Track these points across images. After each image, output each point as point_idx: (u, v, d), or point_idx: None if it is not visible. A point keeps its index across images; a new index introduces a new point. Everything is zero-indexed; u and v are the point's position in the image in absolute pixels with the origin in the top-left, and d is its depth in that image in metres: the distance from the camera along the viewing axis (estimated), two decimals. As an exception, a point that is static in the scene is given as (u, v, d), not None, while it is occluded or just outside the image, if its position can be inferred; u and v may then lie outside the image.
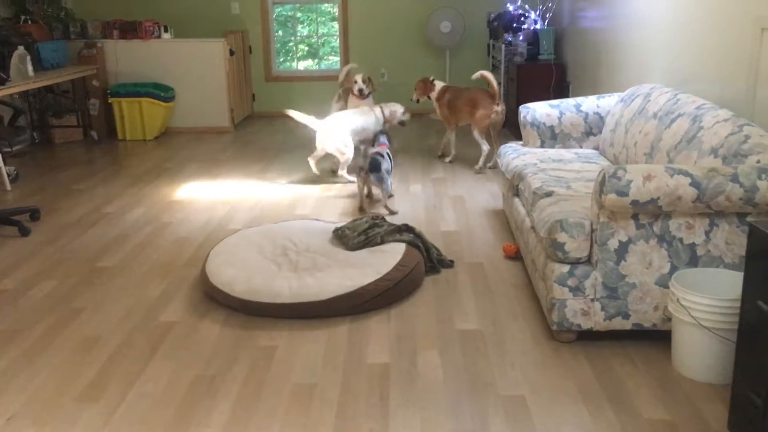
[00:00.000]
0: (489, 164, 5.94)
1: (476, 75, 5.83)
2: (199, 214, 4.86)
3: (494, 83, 5.70)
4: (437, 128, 7.76)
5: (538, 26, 7.18)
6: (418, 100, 6.32)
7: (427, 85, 6.22)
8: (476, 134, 5.79)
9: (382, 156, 4.71)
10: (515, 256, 3.91)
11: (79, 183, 5.71)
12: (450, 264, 3.80)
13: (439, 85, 6.17)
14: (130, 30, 7.62)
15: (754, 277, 2.17)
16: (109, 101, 7.35)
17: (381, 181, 4.64)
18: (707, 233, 2.77)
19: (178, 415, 2.51)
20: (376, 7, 8.57)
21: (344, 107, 6.34)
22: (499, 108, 5.74)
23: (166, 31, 7.74)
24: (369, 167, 4.64)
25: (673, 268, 2.81)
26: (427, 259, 3.70)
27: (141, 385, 2.71)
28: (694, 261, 2.80)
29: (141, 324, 3.22)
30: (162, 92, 7.39)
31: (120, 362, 2.89)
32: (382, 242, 3.70)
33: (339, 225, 3.97)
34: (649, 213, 2.75)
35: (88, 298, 3.51)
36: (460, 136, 6.53)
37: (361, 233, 3.76)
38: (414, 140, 7.21)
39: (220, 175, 5.94)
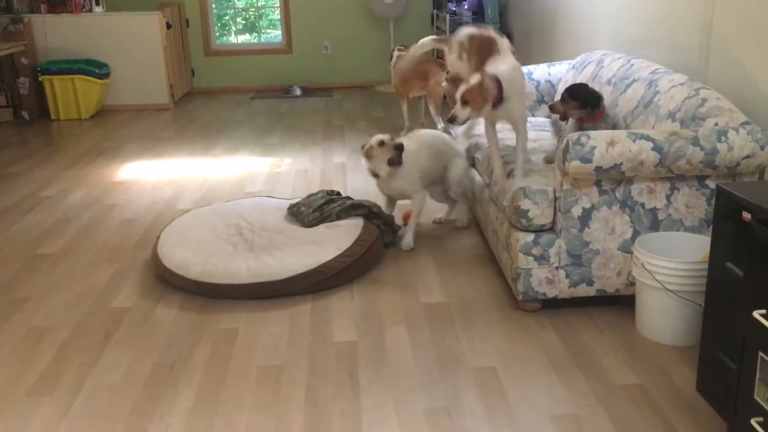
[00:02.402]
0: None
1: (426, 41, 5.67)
2: (144, 194, 4.67)
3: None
4: (383, 100, 7.67)
5: (482, -5, 7.12)
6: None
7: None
8: (432, 110, 5.69)
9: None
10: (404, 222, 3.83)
11: (13, 166, 5.42)
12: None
13: (396, 53, 5.98)
14: (58, 3, 7.24)
15: (721, 239, 2.18)
16: (40, 79, 6.98)
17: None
18: (668, 197, 2.78)
19: (139, 405, 2.40)
20: (316, -23, 8.38)
21: None
22: (449, 76, 5.64)
23: (97, 4, 7.38)
24: None
25: (636, 233, 2.82)
26: (389, 233, 3.62)
27: (97, 375, 2.58)
28: (655, 225, 2.81)
29: (92, 312, 3.07)
30: (96, 69, 7.07)
31: (72, 353, 2.74)
32: (338, 218, 3.61)
33: (293, 201, 3.87)
34: (612, 179, 2.75)
35: (31, 287, 3.33)
36: (413, 110, 6.40)
37: (316, 209, 3.67)
38: (361, 112, 7.11)
39: (164, 153, 5.73)
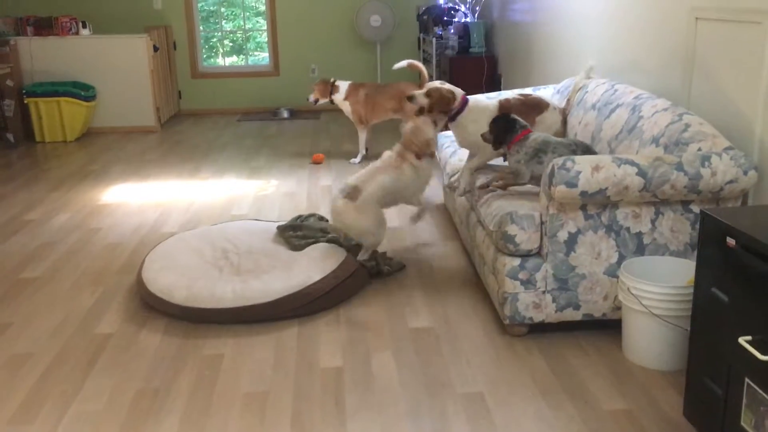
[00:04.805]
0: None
1: (402, 64, 5.67)
2: (129, 218, 4.64)
3: (425, 72, 5.67)
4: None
5: (468, 19, 7.20)
6: (316, 101, 5.96)
7: (327, 87, 5.91)
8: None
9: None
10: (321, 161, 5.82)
11: (-3, 189, 5.39)
12: (402, 266, 3.69)
13: (344, 84, 5.92)
14: (45, 26, 7.25)
15: (706, 264, 2.19)
16: (25, 101, 6.97)
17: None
18: (653, 222, 2.80)
19: (123, 433, 2.37)
20: (304, 0, 8.43)
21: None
22: None
23: (84, 27, 7.39)
24: None
25: (621, 258, 2.83)
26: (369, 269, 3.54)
27: (79, 403, 2.54)
28: (640, 249, 2.82)
29: (75, 337, 3.03)
30: (82, 91, 7.06)
31: (55, 380, 2.70)
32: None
33: (282, 224, 3.85)
34: (597, 203, 2.76)
35: (14, 312, 3.29)
36: (374, 134, 6.41)
37: (308, 238, 3.62)
38: (347, 135, 7.13)
39: (150, 176, 5.71)
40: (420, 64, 5.66)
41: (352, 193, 3.45)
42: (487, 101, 3.73)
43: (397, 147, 3.65)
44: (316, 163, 5.99)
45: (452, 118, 3.63)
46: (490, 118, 3.53)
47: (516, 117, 3.34)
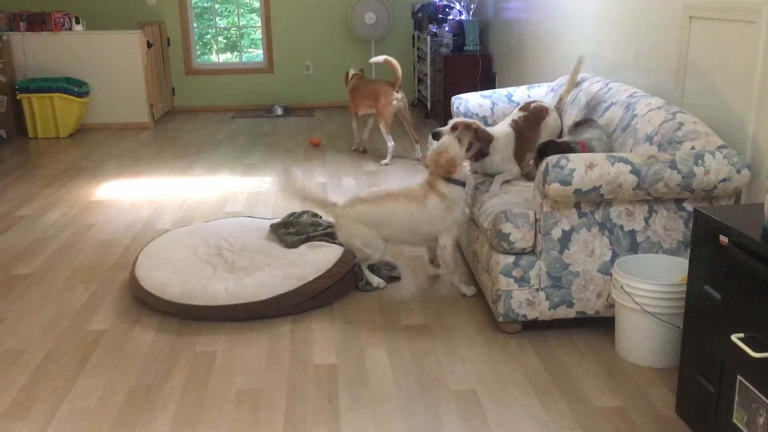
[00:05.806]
0: (417, 157, 5.96)
1: (378, 59, 5.78)
2: (122, 214, 4.63)
3: (399, 70, 5.70)
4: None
5: (463, 17, 7.20)
6: None
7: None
8: (383, 128, 5.77)
9: None
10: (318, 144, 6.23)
11: (-11, 185, 5.36)
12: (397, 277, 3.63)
13: (351, 72, 6.22)
14: (38, 22, 7.21)
15: (699, 261, 2.20)
16: (18, 97, 6.93)
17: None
18: (646, 220, 2.80)
19: (115, 430, 2.36)
20: (298, -3, 8.42)
21: None
22: (399, 95, 5.75)
23: (77, 22, 7.36)
24: None
25: (615, 255, 2.83)
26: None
27: (72, 400, 2.53)
28: (634, 247, 2.83)
29: (67, 334, 3.02)
30: (75, 87, 7.03)
31: (47, 376, 2.69)
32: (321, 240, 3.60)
33: (275, 221, 3.85)
34: (591, 201, 2.77)
35: (6, 309, 3.27)
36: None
37: (301, 234, 3.62)
38: (342, 132, 7.12)
39: (143, 173, 5.69)
40: (395, 63, 5.69)
41: (349, 203, 3.35)
42: (500, 130, 3.58)
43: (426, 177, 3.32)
44: (315, 145, 6.47)
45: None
46: (509, 144, 3.49)
47: (564, 141, 3.10)
